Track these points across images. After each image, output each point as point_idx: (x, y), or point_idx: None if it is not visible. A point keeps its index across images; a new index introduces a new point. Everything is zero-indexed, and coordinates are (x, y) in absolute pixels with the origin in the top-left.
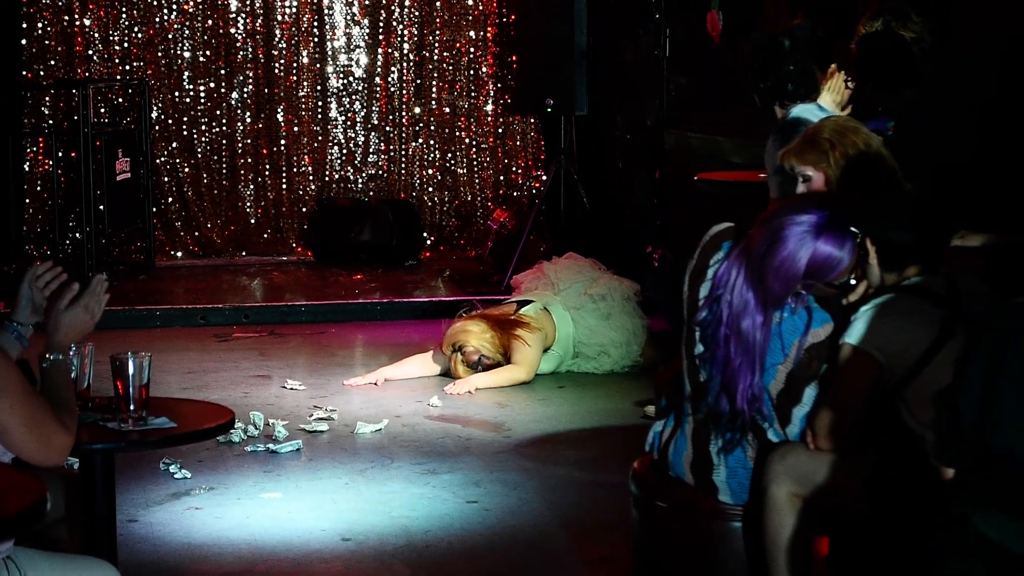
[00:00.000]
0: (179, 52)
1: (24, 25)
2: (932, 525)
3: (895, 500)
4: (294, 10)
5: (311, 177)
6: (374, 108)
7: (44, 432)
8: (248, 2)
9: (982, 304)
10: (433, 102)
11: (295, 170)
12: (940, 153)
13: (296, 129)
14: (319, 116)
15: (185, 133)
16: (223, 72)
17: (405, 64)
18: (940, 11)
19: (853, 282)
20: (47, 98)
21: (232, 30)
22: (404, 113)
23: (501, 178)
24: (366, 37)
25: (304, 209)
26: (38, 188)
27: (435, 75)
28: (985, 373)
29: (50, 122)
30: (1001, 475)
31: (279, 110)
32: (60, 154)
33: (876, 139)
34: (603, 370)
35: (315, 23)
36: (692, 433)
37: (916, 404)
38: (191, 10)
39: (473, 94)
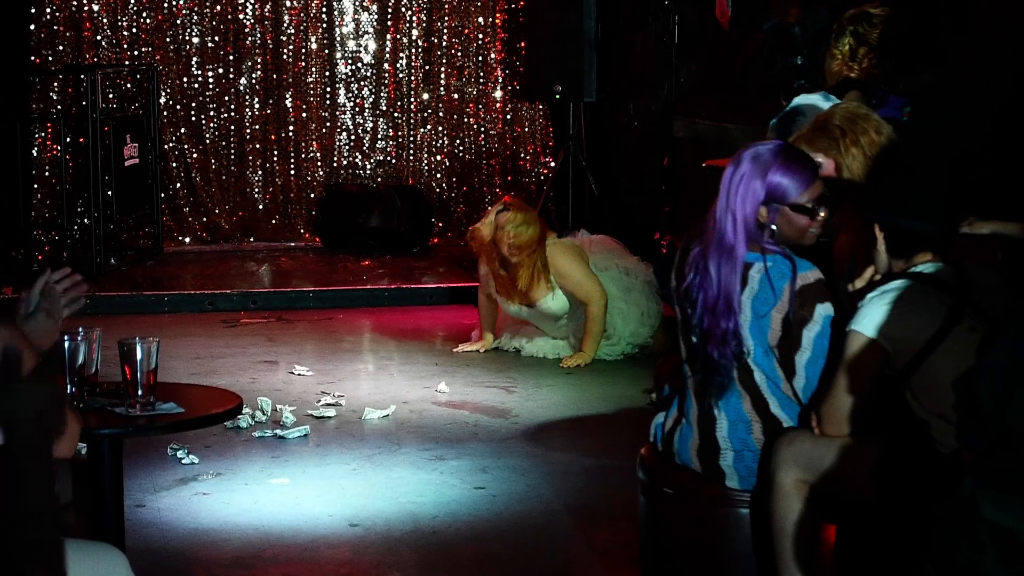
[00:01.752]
0: (187, 38)
1: (33, 10)
2: (940, 512)
3: (902, 487)
4: None
5: (319, 163)
6: (382, 94)
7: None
8: None
9: (994, 293)
10: (442, 88)
11: (303, 156)
12: (953, 141)
13: (304, 115)
14: (327, 102)
15: (193, 119)
16: (231, 58)
17: (414, 50)
18: (960, 3)
19: (822, 215)
20: (55, 83)
21: (240, 16)
22: (412, 99)
23: (509, 165)
24: (374, 23)
25: (312, 195)
26: (46, 173)
27: (444, 61)
28: (1009, 358)
29: (58, 107)
30: (1021, 457)
31: (287, 96)
32: (68, 139)
33: (887, 126)
34: (613, 353)
35: (323, 9)
36: (697, 419)
37: (922, 391)
38: None
39: (482, 80)
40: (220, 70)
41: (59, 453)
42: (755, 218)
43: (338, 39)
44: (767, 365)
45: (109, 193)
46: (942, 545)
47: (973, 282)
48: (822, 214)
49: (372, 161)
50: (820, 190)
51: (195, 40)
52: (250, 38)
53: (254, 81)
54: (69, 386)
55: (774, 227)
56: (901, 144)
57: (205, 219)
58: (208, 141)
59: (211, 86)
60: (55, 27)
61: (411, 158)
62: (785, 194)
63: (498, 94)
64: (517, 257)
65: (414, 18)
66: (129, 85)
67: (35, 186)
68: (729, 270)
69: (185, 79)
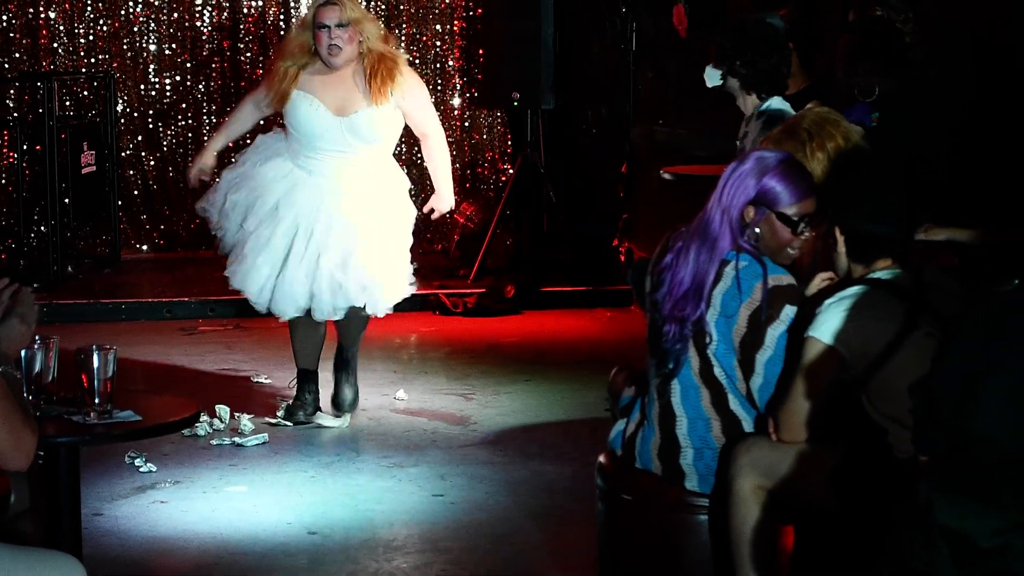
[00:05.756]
0: (145, 45)
1: None
2: (897, 517)
3: (859, 492)
4: (260, 3)
5: None
6: None
7: (15, 430)
8: None
9: (950, 298)
10: None
11: None
12: (913, 145)
13: (262, 123)
14: None
15: (151, 126)
16: (189, 65)
17: None
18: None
19: (806, 235)
20: (12, 91)
21: (198, 23)
22: None
23: (468, 172)
24: None
25: None
26: (3, 181)
27: None
28: (968, 361)
29: (15, 115)
30: (979, 460)
31: None
32: (25, 147)
33: (856, 131)
34: None
35: (281, 16)
36: (659, 418)
37: (878, 397)
38: (157, 3)
39: (440, 88)
40: (177, 78)
41: (15, 465)
42: (740, 214)
43: None
44: (727, 362)
45: (66, 201)
46: (898, 550)
47: (930, 287)
48: (806, 234)
49: None
50: (810, 209)
51: (152, 48)
52: (208, 46)
53: (211, 89)
54: (26, 395)
55: (757, 230)
56: (867, 151)
57: (162, 227)
58: (165, 149)
59: (168, 94)
60: (11, 34)
61: None
62: (775, 200)
63: (456, 101)
64: (340, 58)
65: None
66: (86, 92)
67: None
68: (707, 258)
69: (142, 87)
